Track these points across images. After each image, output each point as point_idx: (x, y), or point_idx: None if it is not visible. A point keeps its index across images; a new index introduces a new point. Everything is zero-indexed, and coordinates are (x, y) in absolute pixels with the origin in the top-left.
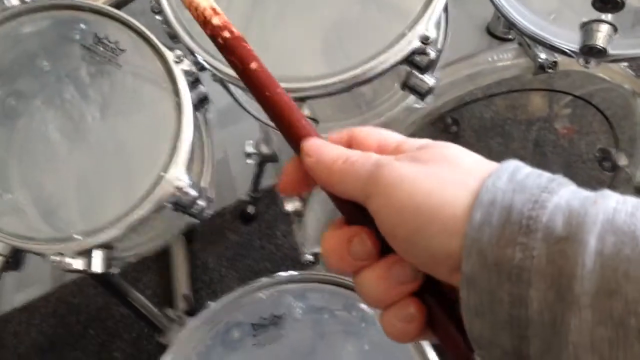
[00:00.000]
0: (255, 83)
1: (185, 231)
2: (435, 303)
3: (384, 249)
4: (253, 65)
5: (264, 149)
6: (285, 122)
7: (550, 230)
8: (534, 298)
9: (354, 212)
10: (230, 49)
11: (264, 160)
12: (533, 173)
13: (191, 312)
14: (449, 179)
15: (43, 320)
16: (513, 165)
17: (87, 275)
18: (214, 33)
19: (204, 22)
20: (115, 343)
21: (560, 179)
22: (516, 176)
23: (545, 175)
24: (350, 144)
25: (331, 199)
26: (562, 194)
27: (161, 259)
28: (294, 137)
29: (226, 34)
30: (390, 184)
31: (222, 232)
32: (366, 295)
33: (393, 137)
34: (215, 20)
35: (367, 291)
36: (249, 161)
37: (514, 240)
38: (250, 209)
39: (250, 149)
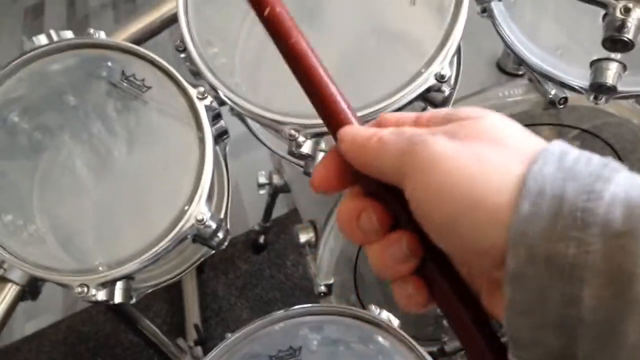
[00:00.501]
0: (274, 30)
1: (201, 262)
2: (441, 279)
3: (395, 226)
4: (266, 11)
5: (277, 180)
6: (321, 107)
7: (609, 224)
8: (588, 296)
9: (388, 196)
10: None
11: (276, 191)
12: (582, 157)
13: (201, 342)
14: (492, 162)
15: (53, 348)
16: (559, 148)
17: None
18: None
19: None
20: None
21: (612, 163)
22: (565, 161)
23: (595, 159)
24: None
25: (364, 185)
26: (619, 182)
27: (172, 287)
28: (330, 124)
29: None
30: (426, 162)
31: (232, 261)
32: (372, 268)
33: (410, 113)
34: None
35: (372, 264)
36: (262, 192)
37: (567, 235)
38: (262, 239)
39: (262, 179)
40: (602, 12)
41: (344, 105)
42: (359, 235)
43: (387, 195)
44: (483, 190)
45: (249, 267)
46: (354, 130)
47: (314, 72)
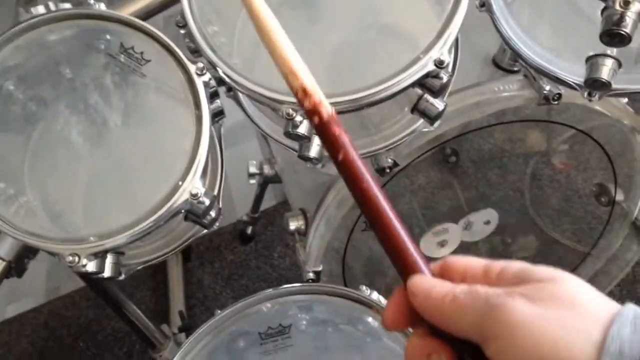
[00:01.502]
0: (346, 175)
1: (190, 243)
2: None
3: None
4: (340, 156)
5: (267, 170)
6: (391, 251)
7: None
8: None
9: (461, 346)
10: (321, 135)
11: (266, 181)
12: None
13: (185, 328)
14: (573, 327)
15: (34, 332)
16: (632, 311)
17: (89, 285)
18: (307, 115)
19: (299, 102)
20: (106, 357)
21: None
22: (639, 324)
23: None
24: (442, 272)
25: (439, 333)
26: None
27: (157, 274)
28: (400, 267)
29: (316, 119)
30: (509, 329)
31: (219, 250)
32: None
33: (478, 261)
34: (306, 104)
35: None
36: (252, 181)
37: None
38: (249, 230)
39: (253, 169)
40: (599, 11)
41: (413, 251)
42: None
43: (460, 345)
44: (568, 356)
45: (235, 258)
46: (425, 285)
47: (385, 216)
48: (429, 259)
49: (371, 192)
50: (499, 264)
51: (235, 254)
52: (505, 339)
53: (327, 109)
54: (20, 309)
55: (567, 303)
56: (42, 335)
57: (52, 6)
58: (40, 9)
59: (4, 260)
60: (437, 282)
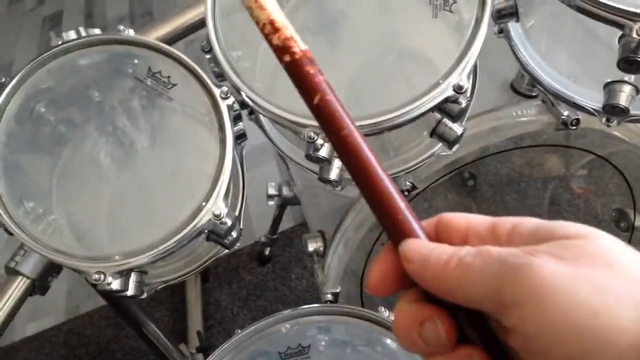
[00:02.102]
0: (324, 121)
1: (210, 263)
2: None
3: (461, 338)
4: (315, 99)
5: (286, 192)
6: (377, 208)
7: None
8: None
9: (462, 313)
10: (293, 76)
11: (285, 203)
12: None
13: (203, 349)
14: (614, 293)
15: (53, 350)
16: None
17: (112, 302)
18: (276, 54)
19: (267, 40)
20: None
21: None
22: None
23: None
24: (437, 232)
25: (433, 298)
26: None
27: (175, 295)
28: (390, 227)
29: (286, 58)
30: (536, 293)
31: (236, 271)
32: None
33: (482, 218)
34: (275, 40)
35: None
36: (271, 203)
37: None
38: (267, 251)
39: (272, 190)
40: (616, 38)
41: (404, 209)
42: (421, 345)
43: (461, 312)
44: (610, 328)
45: (253, 279)
46: (423, 250)
47: (369, 166)
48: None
49: (352, 140)
50: (508, 221)
51: (253, 275)
52: (530, 305)
53: (299, 46)
54: (41, 327)
55: (603, 262)
56: (62, 354)
57: (82, 32)
58: (72, 35)
59: (28, 278)
60: (436, 246)
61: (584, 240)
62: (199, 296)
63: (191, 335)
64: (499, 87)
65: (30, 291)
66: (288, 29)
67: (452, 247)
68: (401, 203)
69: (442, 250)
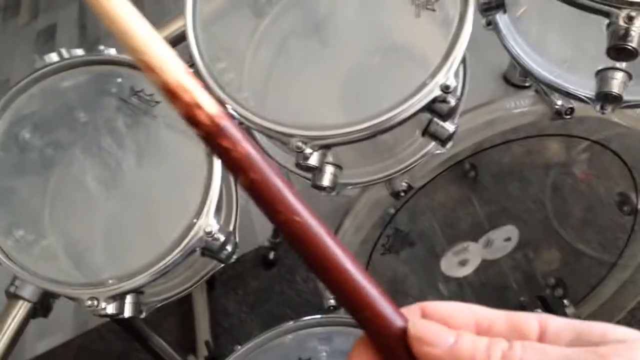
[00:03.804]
0: (259, 202)
1: (209, 276)
2: None
3: None
4: (240, 179)
5: None
6: (341, 287)
7: None
8: None
9: None
10: (212, 149)
11: None
12: None
13: (212, 358)
14: None
15: None
16: None
17: (113, 319)
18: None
19: (170, 103)
20: None
21: None
22: None
23: None
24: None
25: None
26: None
27: (182, 304)
28: (363, 320)
29: (196, 131)
30: None
31: (242, 277)
32: None
33: (492, 313)
34: (179, 109)
35: None
36: None
37: None
38: (271, 255)
39: None
40: (607, 21)
41: (378, 299)
42: None
43: None
44: None
45: (259, 284)
46: (442, 332)
47: (328, 258)
48: (448, 279)
49: (296, 225)
50: (531, 317)
51: (258, 279)
52: None
53: (207, 110)
54: (50, 345)
55: None
56: None
57: (64, 53)
58: (54, 57)
59: (29, 301)
60: (463, 332)
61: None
62: (206, 304)
63: (200, 345)
64: (491, 78)
65: (32, 314)
66: (191, 90)
67: (469, 334)
68: (374, 292)
69: (473, 340)
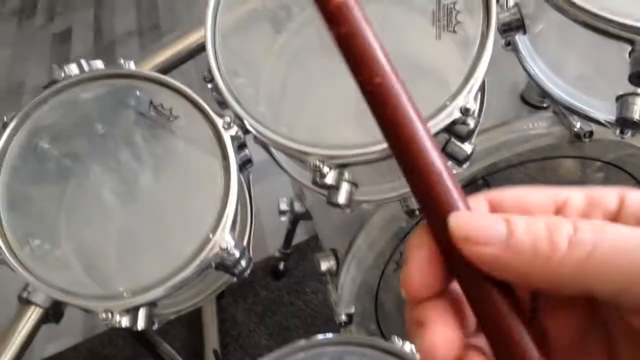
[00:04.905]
0: (348, 59)
1: (221, 290)
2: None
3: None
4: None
5: (298, 207)
6: (412, 161)
7: None
8: None
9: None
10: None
11: (297, 218)
12: None
13: None
14: None
15: None
16: None
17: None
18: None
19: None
20: None
21: None
22: None
23: None
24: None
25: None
26: None
27: (191, 312)
28: (431, 198)
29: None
30: None
31: (251, 287)
32: None
33: (565, 190)
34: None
35: None
36: (283, 219)
37: None
38: (281, 266)
39: (284, 206)
40: (629, 48)
41: (447, 177)
42: None
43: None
44: None
45: (269, 294)
46: (497, 226)
47: (404, 127)
48: None
49: (384, 90)
50: (607, 192)
51: (268, 289)
52: None
53: None
54: (59, 347)
55: None
56: None
57: (84, 65)
58: (74, 69)
59: (41, 307)
60: (513, 218)
61: None
62: (215, 313)
63: (208, 353)
64: (509, 98)
65: (44, 319)
66: None
67: (528, 217)
68: (444, 170)
69: (528, 224)
